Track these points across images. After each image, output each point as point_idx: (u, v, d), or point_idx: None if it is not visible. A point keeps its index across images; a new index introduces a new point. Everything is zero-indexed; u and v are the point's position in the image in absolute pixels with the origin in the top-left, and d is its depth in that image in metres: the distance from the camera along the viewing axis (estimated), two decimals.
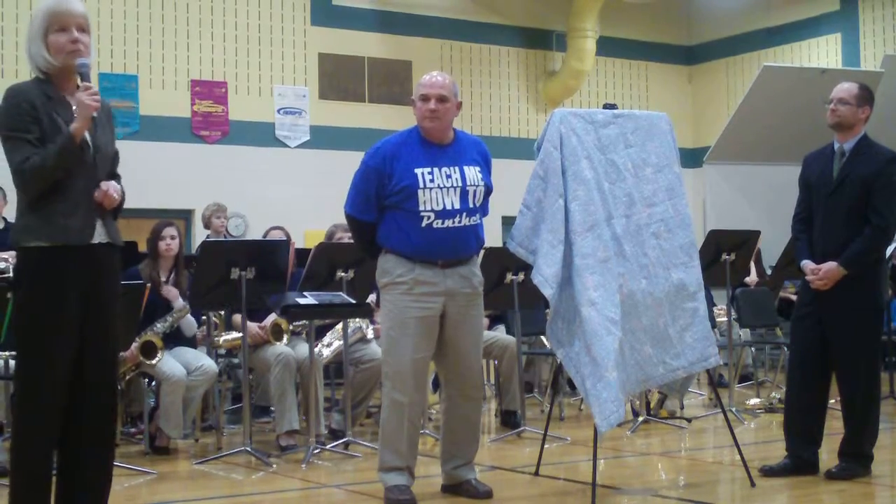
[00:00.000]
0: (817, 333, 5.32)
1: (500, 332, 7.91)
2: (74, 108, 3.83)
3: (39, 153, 3.70)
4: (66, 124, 3.75)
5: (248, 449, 6.10)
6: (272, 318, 6.68)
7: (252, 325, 6.54)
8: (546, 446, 5.70)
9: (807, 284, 5.37)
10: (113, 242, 3.91)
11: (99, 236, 3.86)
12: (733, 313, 8.65)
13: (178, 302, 6.66)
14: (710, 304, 8.50)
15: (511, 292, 7.07)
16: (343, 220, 5.41)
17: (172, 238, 6.75)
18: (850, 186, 5.26)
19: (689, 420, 7.43)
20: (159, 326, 6.53)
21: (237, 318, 6.93)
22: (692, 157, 14.78)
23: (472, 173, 4.96)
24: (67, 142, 3.72)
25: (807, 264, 5.34)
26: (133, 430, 7.00)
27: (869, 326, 5.32)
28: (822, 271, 5.25)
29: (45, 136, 3.73)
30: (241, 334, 6.71)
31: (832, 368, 5.35)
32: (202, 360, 6.62)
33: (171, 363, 6.43)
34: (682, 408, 8.01)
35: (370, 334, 6.94)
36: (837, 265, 5.21)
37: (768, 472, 5.33)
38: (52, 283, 3.76)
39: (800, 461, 5.33)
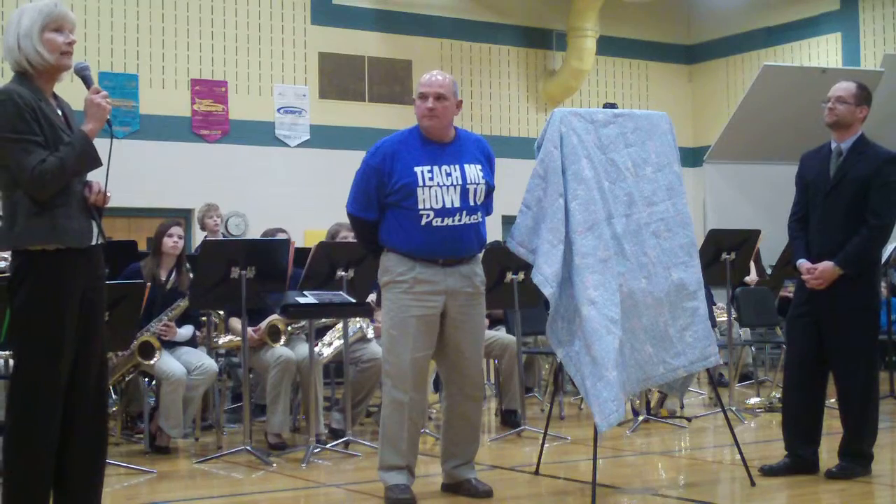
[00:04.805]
0: (813, 332, 5.32)
1: (500, 332, 7.91)
2: (59, 110, 3.86)
3: (55, 155, 3.71)
4: (55, 125, 3.76)
5: (248, 448, 6.10)
6: (268, 320, 6.68)
7: (247, 330, 6.51)
8: (546, 445, 5.71)
9: (803, 284, 5.37)
10: (104, 242, 3.95)
11: (95, 237, 3.89)
12: (733, 312, 8.65)
13: (181, 335, 6.70)
14: (710, 303, 8.50)
15: (511, 292, 7.07)
16: (346, 219, 5.42)
17: (180, 237, 6.76)
18: (848, 186, 5.26)
19: (689, 419, 7.43)
20: (154, 327, 6.52)
21: (234, 321, 6.94)
22: (692, 157, 14.80)
23: (473, 171, 4.95)
24: (86, 143, 3.75)
25: (803, 263, 5.34)
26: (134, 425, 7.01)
27: (865, 326, 5.31)
28: (818, 271, 5.25)
29: (46, 139, 3.74)
30: (238, 337, 6.72)
31: (829, 367, 5.35)
32: (202, 359, 6.62)
33: (170, 362, 6.43)
34: (682, 407, 8.02)
35: (370, 334, 6.94)
36: (833, 265, 5.22)
37: (768, 471, 5.33)
38: (57, 285, 3.77)
39: (799, 460, 5.33)
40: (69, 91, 4.12)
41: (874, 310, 5.42)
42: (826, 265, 5.23)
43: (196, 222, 10.52)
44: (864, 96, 5.36)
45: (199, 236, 10.74)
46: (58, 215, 3.76)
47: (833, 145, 5.39)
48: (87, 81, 3.91)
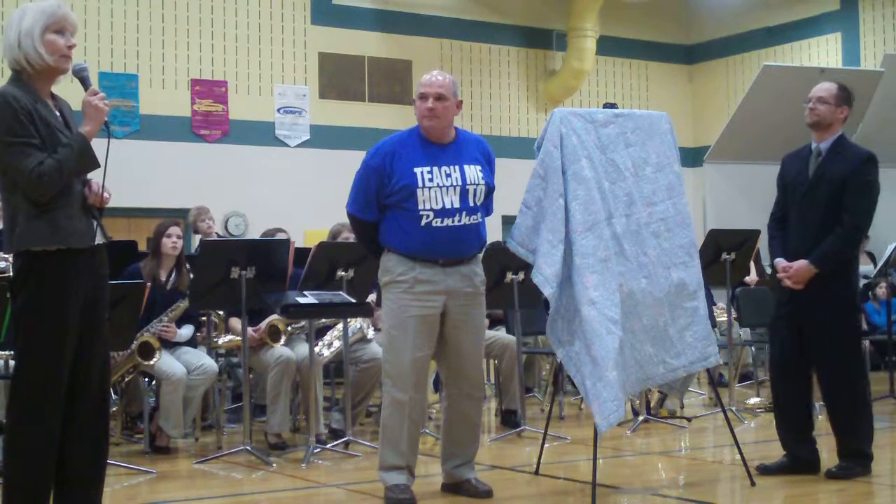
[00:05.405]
0: (794, 332, 5.34)
1: (500, 332, 7.91)
2: (57, 111, 3.86)
3: (53, 157, 3.71)
4: (51, 127, 3.76)
5: (248, 448, 6.10)
6: (268, 320, 6.68)
7: (247, 330, 6.50)
8: (546, 445, 5.71)
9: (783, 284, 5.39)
10: (106, 242, 3.95)
11: (98, 237, 3.89)
12: (733, 312, 8.65)
13: (180, 335, 6.69)
14: (710, 303, 8.50)
15: (511, 292, 7.07)
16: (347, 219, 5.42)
17: (179, 237, 6.75)
18: (825, 185, 5.28)
19: (689, 419, 7.43)
20: (155, 327, 6.52)
21: (234, 321, 6.94)
22: (692, 157, 14.79)
23: (473, 172, 4.96)
24: (83, 145, 3.76)
25: (779, 262, 5.37)
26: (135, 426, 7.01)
27: (845, 326, 5.30)
28: (792, 269, 5.27)
29: (43, 140, 3.73)
30: (238, 337, 6.72)
31: (813, 367, 5.36)
32: (202, 359, 6.62)
33: (171, 362, 6.43)
34: (682, 407, 8.02)
35: (370, 334, 6.95)
36: (808, 263, 5.23)
37: (764, 470, 5.34)
38: (59, 286, 3.77)
39: (797, 460, 5.34)
40: (69, 91, 4.12)
41: (853, 309, 5.41)
42: (800, 264, 5.25)
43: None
44: (844, 97, 5.38)
45: (195, 238, 10.76)
46: (58, 216, 3.76)
47: (813, 145, 5.43)
48: (84, 83, 3.91)
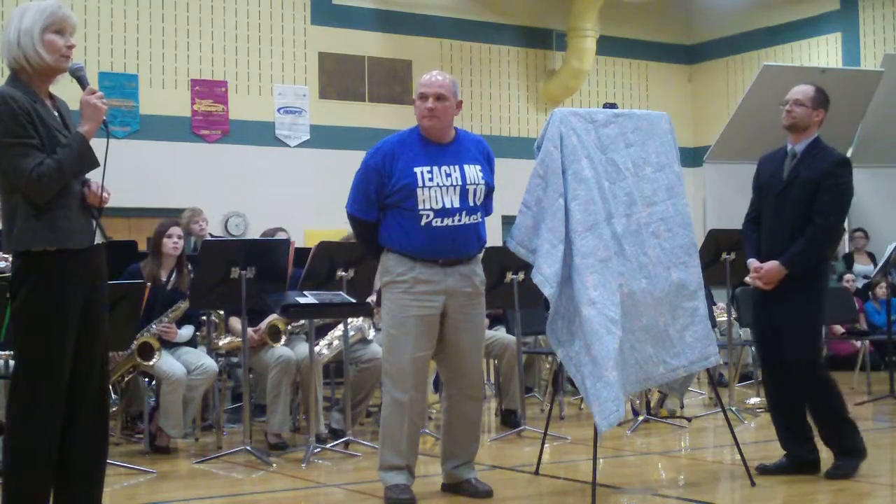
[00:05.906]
0: (776, 333, 5.34)
1: (500, 332, 7.91)
2: (55, 111, 3.86)
3: (52, 157, 3.70)
4: (50, 127, 3.76)
5: (248, 448, 6.10)
6: (267, 320, 6.68)
7: (248, 330, 6.50)
8: (546, 445, 5.72)
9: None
10: (105, 242, 3.95)
11: (97, 237, 3.89)
12: (733, 312, 8.65)
13: (181, 336, 6.69)
14: (710, 303, 8.50)
15: (511, 292, 7.07)
16: None
17: (179, 237, 6.75)
18: (798, 187, 5.29)
19: (689, 419, 7.43)
20: (155, 328, 6.51)
21: (234, 321, 6.93)
22: (692, 157, 14.79)
23: (473, 172, 4.96)
24: (82, 145, 3.76)
25: (751, 262, 5.38)
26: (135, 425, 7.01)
27: (809, 327, 5.30)
28: (763, 270, 5.28)
29: (42, 141, 3.73)
30: (238, 338, 6.72)
31: None
32: (202, 359, 6.62)
33: (171, 362, 6.43)
34: (682, 407, 8.02)
35: (371, 334, 6.95)
36: (779, 264, 5.24)
37: (764, 470, 5.34)
38: (58, 286, 3.77)
39: (796, 459, 5.34)
40: (67, 91, 4.12)
41: (818, 310, 5.37)
42: (772, 265, 5.27)
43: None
44: (821, 100, 5.39)
45: (190, 240, 10.74)
46: (57, 217, 3.76)
47: (788, 147, 5.44)
48: (82, 82, 3.90)
